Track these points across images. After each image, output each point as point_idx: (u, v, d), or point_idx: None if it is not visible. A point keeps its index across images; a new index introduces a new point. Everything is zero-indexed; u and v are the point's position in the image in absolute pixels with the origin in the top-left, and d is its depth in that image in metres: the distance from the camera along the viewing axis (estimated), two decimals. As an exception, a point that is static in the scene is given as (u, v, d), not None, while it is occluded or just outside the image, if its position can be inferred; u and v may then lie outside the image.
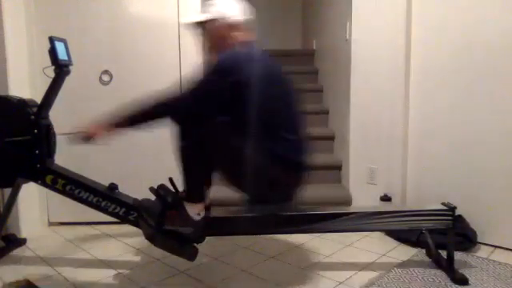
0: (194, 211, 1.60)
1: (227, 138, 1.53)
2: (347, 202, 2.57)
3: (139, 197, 1.82)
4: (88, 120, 1.71)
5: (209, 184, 1.70)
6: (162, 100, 1.56)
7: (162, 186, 1.70)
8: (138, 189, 1.87)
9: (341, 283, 1.69)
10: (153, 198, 1.69)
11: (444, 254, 1.77)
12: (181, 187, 1.66)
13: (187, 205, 1.61)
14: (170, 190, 1.67)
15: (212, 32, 1.68)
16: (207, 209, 1.68)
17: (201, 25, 1.70)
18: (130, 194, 1.85)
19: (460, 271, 1.70)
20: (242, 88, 1.51)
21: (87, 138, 1.63)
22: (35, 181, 1.81)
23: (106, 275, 1.79)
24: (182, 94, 1.58)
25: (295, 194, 1.72)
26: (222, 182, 1.69)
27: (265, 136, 1.55)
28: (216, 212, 1.72)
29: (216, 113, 1.54)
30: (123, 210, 1.78)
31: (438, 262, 1.82)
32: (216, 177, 1.68)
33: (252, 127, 1.55)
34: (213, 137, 1.52)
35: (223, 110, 1.54)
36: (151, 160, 2.50)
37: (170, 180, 1.68)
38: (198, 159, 1.57)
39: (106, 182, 1.85)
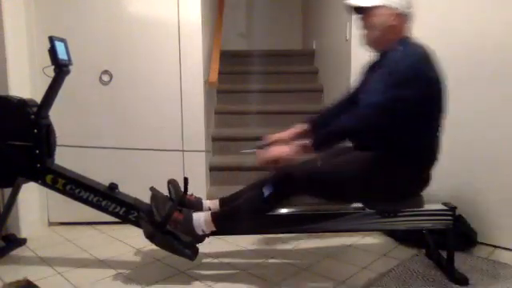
0: (205, 228, 1.61)
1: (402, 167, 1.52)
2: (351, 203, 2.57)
3: (139, 197, 1.83)
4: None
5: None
6: (358, 117, 1.46)
7: (173, 181, 1.70)
8: (137, 189, 1.87)
9: (341, 283, 1.69)
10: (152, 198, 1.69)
11: (444, 254, 1.77)
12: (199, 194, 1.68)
13: (206, 219, 1.60)
14: (179, 189, 1.67)
15: (376, 20, 1.53)
16: (185, 183, 1.68)
17: (364, 11, 1.56)
18: (130, 194, 1.86)
19: (460, 271, 1.70)
20: (431, 89, 1.47)
21: (272, 164, 1.49)
22: (35, 181, 1.81)
23: (105, 275, 1.79)
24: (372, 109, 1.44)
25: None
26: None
27: (435, 137, 1.56)
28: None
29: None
30: (123, 209, 1.78)
31: (438, 262, 1.82)
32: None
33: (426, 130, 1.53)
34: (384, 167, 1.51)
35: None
36: (151, 160, 2.49)
37: (185, 180, 1.67)
38: (262, 212, 1.59)
39: (106, 182, 1.85)
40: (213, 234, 1.66)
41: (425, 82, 1.45)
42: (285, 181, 1.55)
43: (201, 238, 1.67)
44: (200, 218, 1.61)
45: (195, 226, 1.60)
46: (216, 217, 1.61)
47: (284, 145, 1.54)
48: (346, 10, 1.64)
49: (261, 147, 1.63)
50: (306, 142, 1.47)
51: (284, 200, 1.59)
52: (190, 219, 1.60)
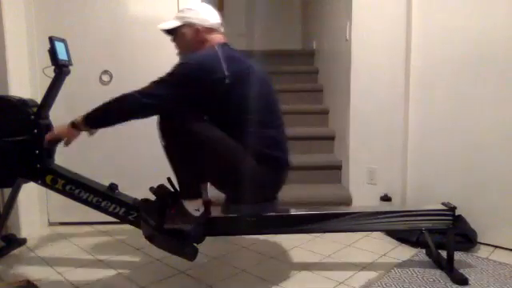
0: (193, 207, 1.60)
1: (201, 136, 1.52)
2: (347, 202, 2.58)
3: (139, 197, 1.82)
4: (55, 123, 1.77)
5: (202, 179, 1.70)
6: (124, 96, 1.60)
7: (161, 186, 1.70)
8: (137, 189, 1.87)
9: (341, 283, 1.69)
10: (153, 197, 1.69)
11: (444, 253, 1.77)
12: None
13: (185, 202, 1.61)
14: (168, 190, 1.67)
15: (183, 37, 1.69)
16: (207, 204, 1.67)
17: (172, 32, 1.73)
18: (130, 194, 1.85)
19: (460, 271, 1.70)
20: (214, 87, 1.52)
21: (53, 143, 1.72)
22: (35, 181, 1.81)
23: (106, 275, 1.79)
24: (142, 92, 1.58)
25: (277, 193, 1.72)
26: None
27: (241, 134, 1.55)
28: (216, 212, 1.72)
29: (189, 111, 1.54)
30: (123, 209, 1.78)
31: (437, 262, 1.82)
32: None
33: (227, 125, 1.55)
34: (186, 134, 1.52)
35: (197, 109, 1.55)
36: (151, 160, 2.49)
37: (169, 180, 1.68)
38: (181, 156, 1.57)
39: (104, 182, 1.85)
40: (213, 234, 1.65)
41: (195, 80, 1.52)
42: (161, 124, 1.59)
43: (201, 221, 1.64)
44: (185, 203, 1.61)
45: (188, 209, 1.60)
46: (182, 193, 1.61)
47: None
48: (165, 34, 1.77)
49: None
50: (77, 118, 1.65)
51: (175, 130, 1.57)
52: (182, 205, 1.60)
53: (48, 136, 1.73)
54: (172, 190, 1.67)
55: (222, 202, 1.72)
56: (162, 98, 1.53)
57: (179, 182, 1.63)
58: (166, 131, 1.57)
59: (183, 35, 1.69)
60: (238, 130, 1.56)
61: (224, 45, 1.66)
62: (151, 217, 1.62)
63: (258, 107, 1.58)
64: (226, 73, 1.51)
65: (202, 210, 1.62)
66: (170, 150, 1.59)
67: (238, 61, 1.61)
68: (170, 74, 1.54)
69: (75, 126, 1.65)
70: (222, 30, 1.74)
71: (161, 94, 1.53)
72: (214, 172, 1.63)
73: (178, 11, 1.75)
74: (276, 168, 1.64)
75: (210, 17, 1.69)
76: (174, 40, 1.75)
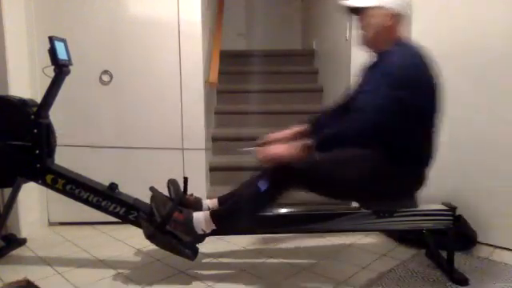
0: (205, 228, 1.60)
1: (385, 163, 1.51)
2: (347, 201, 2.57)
3: (139, 197, 1.83)
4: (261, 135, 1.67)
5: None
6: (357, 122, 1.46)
7: (173, 181, 1.70)
8: (137, 188, 1.87)
9: (341, 283, 1.69)
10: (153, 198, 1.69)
11: (444, 254, 1.77)
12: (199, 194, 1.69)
13: (206, 219, 1.60)
14: (179, 189, 1.67)
15: (372, 20, 1.53)
16: (185, 183, 1.68)
17: (360, 11, 1.57)
18: (130, 194, 1.85)
19: (460, 271, 1.70)
20: (430, 96, 1.49)
21: (269, 161, 1.50)
22: (35, 181, 1.81)
23: (106, 275, 1.79)
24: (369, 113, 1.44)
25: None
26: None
27: (430, 138, 1.55)
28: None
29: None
30: (123, 209, 1.78)
31: (437, 262, 1.82)
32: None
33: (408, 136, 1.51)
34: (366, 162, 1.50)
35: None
36: (151, 159, 2.49)
37: (185, 179, 1.67)
38: (260, 208, 1.58)
39: (106, 182, 1.85)
40: (213, 233, 1.66)
41: (419, 82, 1.46)
42: (282, 174, 1.53)
43: (201, 238, 1.67)
44: (200, 218, 1.61)
45: (195, 225, 1.60)
46: (215, 215, 1.61)
47: (283, 144, 1.53)
48: (342, 11, 1.63)
49: (259, 146, 1.64)
50: (308, 141, 1.46)
51: (281, 193, 1.56)
52: (190, 219, 1.60)
53: (261, 155, 1.51)
54: (182, 189, 1.67)
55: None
56: (389, 109, 1.43)
57: (227, 211, 1.62)
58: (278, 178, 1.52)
59: (373, 18, 1.53)
60: (423, 137, 1.55)
61: (406, 39, 1.57)
62: (159, 212, 1.61)
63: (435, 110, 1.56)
64: (433, 74, 1.49)
65: (207, 232, 1.62)
66: (264, 198, 1.55)
67: (430, 60, 1.53)
68: (390, 84, 1.42)
69: (307, 150, 1.46)
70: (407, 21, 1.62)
71: (393, 110, 1.44)
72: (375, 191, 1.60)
73: None
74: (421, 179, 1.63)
75: (403, 4, 1.56)
76: (359, 20, 1.59)
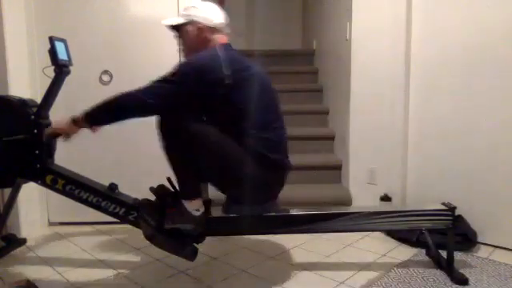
0: (193, 207, 1.60)
1: (201, 136, 1.52)
2: (347, 202, 2.58)
3: (139, 197, 1.82)
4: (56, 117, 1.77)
5: (202, 179, 1.70)
6: (125, 94, 1.60)
7: (161, 186, 1.70)
8: (137, 189, 1.87)
9: (341, 283, 1.69)
10: (153, 198, 1.69)
11: (444, 254, 1.77)
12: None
13: (185, 202, 1.60)
14: (168, 190, 1.67)
15: (186, 35, 1.69)
16: (207, 204, 1.67)
17: (176, 28, 1.72)
18: (130, 194, 1.85)
19: (460, 271, 1.70)
20: (216, 88, 1.52)
21: (55, 135, 1.72)
22: (35, 181, 1.81)
23: (105, 275, 1.79)
24: (144, 90, 1.58)
25: (277, 194, 1.72)
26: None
27: (242, 135, 1.55)
28: (216, 212, 1.72)
29: (190, 111, 1.54)
30: (123, 209, 1.78)
31: (438, 262, 1.82)
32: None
33: (227, 125, 1.55)
34: (186, 134, 1.51)
35: (198, 109, 1.56)
36: (151, 160, 2.49)
37: (168, 180, 1.68)
38: (182, 156, 1.56)
39: (104, 182, 1.85)
40: (212, 234, 1.65)
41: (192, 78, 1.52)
42: (161, 125, 1.58)
43: (201, 221, 1.64)
44: (185, 203, 1.61)
45: (188, 208, 1.60)
46: (182, 194, 1.61)
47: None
48: (168, 29, 1.76)
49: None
50: (77, 115, 1.63)
51: (173, 130, 1.56)
52: (182, 205, 1.60)
53: (47, 130, 1.75)
54: (172, 189, 1.67)
55: (223, 203, 1.72)
56: (164, 97, 1.53)
57: (179, 183, 1.63)
58: (165, 132, 1.57)
59: (187, 33, 1.68)
60: (237, 132, 1.55)
61: (226, 45, 1.66)
62: (151, 217, 1.62)
63: (257, 109, 1.58)
64: (227, 73, 1.51)
65: (202, 210, 1.62)
66: (169, 151, 1.59)
67: (238, 62, 1.61)
68: (172, 74, 1.54)
69: (76, 123, 1.66)
70: (227, 30, 1.74)
71: (163, 93, 1.53)
72: (214, 172, 1.62)
73: (184, 8, 1.74)
74: (275, 170, 1.63)
75: (214, 16, 1.68)
76: (179, 37, 1.75)
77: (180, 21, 1.69)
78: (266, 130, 1.60)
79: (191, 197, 1.61)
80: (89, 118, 1.65)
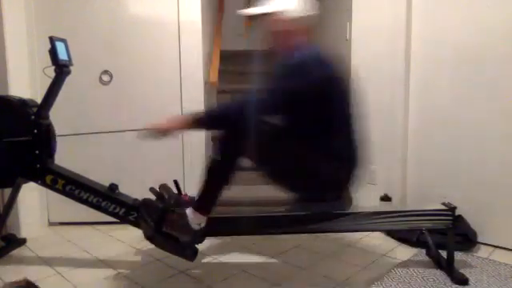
0: (197, 221, 1.59)
1: (289, 140, 1.54)
2: (347, 201, 2.57)
3: (139, 197, 1.82)
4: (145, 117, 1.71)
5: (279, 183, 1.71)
6: (237, 103, 1.55)
7: (164, 187, 1.69)
8: (137, 189, 1.87)
9: (341, 283, 1.69)
10: (153, 198, 1.69)
11: (444, 254, 1.77)
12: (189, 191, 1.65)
13: (192, 212, 1.59)
14: (172, 192, 1.67)
15: (271, 25, 1.61)
16: (207, 221, 1.67)
17: (263, 17, 1.63)
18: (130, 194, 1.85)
19: (460, 271, 1.70)
20: (319, 88, 1.50)
21: (161, 133, 1.59)
22: (35, 181, 1.81)
23: (105, 275, 1.79)
24: (262, 96, 1.51)
25: (347, 191, 1.73)
26: (268, 181, 1.70)
27: (326, 136, 1.56)
28: (216, 212, 1.72)
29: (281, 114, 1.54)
30: (123, 210, 1.78)
31: (438, 262, 1.82)
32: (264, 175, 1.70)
33: (315, 127, 1.55)
34: (273, 138, 1.53)
35: (286, 110, 1.54)
36: (151, 160, 2.49)
37: (175, 182, 1.67)
38: (225, 175, 1.58)
39: (105, 182, 1.85)
40: (212, 234, 1.65)
41: (313, 79, 1.49)
42: (230, 144, 1.57)
43: (200, 237, 1.66)
44: (190, 213, 1.61)
45: (190, 221, 1.59)
46: (196, 204, 1.61)
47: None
48: (245, 18, 1.69)
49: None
50: (189, 115, 1.58)
51: (234, 161, 1.57)
52: (185, 216, 1.59)
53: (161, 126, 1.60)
54: (176, 192, 1.67)
55: (289, 202, 1.72)
56: (279, 98, 1.50)
57: (203, 195, 1.61)
58: (225, 144, 1.56)
59: (274, 23, 1.60)
60: (322, 130, 1.56)
61: (310, 42, 1.62)
62: (151, 217, 1.62)
63: (345, 108, 1.60)
64: (331, 73, 1.52)
65: (203, 225, 1.61)
66: (218, 165, 1.59)
67: (330, 59, 1.58)
68: (290, 72, 1.49)
69: (185, 123, 1.58)
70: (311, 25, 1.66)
71: (277, 95, 1.51)
72: (288, 175, 1.62)
73: None
74: (347, 168, 1.64)
75: (307, 8, 1.61)
76: (262, 26, 1.67)
77: (270, 9, 1.60)
78: (348, 129, 1.62)
79: (203, 212, 1.60)
80: (202, 120, 1.60)
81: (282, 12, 1.58)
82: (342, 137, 1.60)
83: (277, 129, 1.60)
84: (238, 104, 1.56)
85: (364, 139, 1.69)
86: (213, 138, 3.04)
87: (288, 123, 1.60)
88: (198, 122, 1.61)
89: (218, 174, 1.59)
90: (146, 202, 1.69)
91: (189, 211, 1.60)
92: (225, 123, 1.55)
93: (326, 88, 1.53)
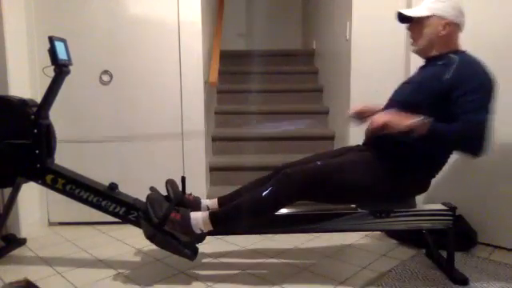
0: (199, 225, 1.60)
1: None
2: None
3: (139, 197, 1.83)
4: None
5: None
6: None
7: (171, 182, 1.69)
8: (137, 189, 1.87)
9: (341, 283, 1.69)
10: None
11: (444, 254, 1.77)
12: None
13: (203, 218, 1.60)
14: (177, 189, 1.67)
15: (427, 29, 1.59)
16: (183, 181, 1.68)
17: (415, 20, 1.62)
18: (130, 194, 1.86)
19: (460, 271, 1.70)
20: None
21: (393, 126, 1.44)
22: (35, 181, 1.81)
23: (106, 275, 1.79)
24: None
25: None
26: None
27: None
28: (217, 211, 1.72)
29: None
30: (123, 209, 1.78)
31: (438, 262, 1.82)
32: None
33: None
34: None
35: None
36: (151, 160, 2.50)
37: (183, 179, 1.67)
38: (260, 216, 1.60)
39: (105, 182, 1.85)
40: (212, 233, 1.66)
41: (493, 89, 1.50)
42: (284, 181, 1.56)
43: (200, 238, 1.67)
44: (198, 218, 1.61)
45: (193, 225, 1.59)
46: (214, 217, 1.61)
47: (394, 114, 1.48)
48: (396, 18, 1.67)
49: (355, 118, 1.75)
50: (425, 119, 1.41)
51: (284, 202, 1.59)
52: (188, 218, 1.59)
53: (386, 121, 1.45)
54: (181, 189, 1.67)
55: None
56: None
57: (224, 214, 1.62)
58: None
59: (428, 27, 1.58)
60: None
61: (460, 46, 1.61)
62: (155, 212, 1.61)
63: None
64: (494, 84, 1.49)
65: (205, 232, 1.62)
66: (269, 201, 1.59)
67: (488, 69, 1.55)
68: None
69: (423, 126, 1.42)
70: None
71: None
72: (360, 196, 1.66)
73: (428, 1, 1.61)
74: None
75: (462, 13, 1.59)
76: (411, 29, 1.66)
77: (424, 13, 1.58)
78: None
79: (215, 224, 1.60)
80: (431, 129, 1.43)
81: (436, 16, 1.57)
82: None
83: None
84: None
85: None
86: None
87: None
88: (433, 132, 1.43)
89: (255, 209, 1.59)
90: (153, 196, 1.68)
91: (199, 215, 1.61)
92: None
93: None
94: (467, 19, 1.62)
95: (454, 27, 1.58)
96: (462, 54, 1.57)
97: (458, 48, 1.61)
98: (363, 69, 2.47)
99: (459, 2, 1.61)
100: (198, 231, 1.61)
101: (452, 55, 1.56)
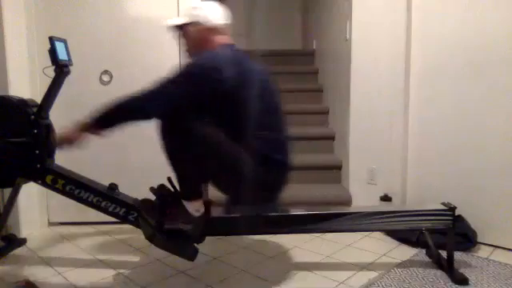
0: (193, 208, 1.61)
1: (202, 137, 1.51)
2: (347, 202, 2.58)
3: (139, 197, 1.82)
4: (62, 126, 1.71)
5: (204, 180, 1.70)
6: (133, 96, 1.56)
7: (161, 186, 1.70)
8: (137, 189, 1.87)
9: (341, 283, 1.69)
10: (153, 197, 1.69)
11: (444, 253, 1.77)
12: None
13: (185, 203, 1.61)
14: (169, 190, 1.67)
15: (190, 35, 1.69)
16: (207, 205, 1.67)
17: (180, 28, 1.72)
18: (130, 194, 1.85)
19: (460, 271, 1.70)
20: (220, 88, 1.51)
21: (67, 143, 1.65)
22: (35, 181, 1.81)
23: (106, 275, 1.79)
24: (152, 91, 1.54)
25: (279, 194, 1.72)
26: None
27: (243, 135, 1.55)
28: (216, 212, 1.72)
29: (191, 111, 1.53)
30: (123, 210, 1.78)
31: (438, 262, 1.82)
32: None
33: (228, 126, 1.54)
34: (187, 135, 1.51)
35: (200, 110, 1.55)
36: (151, 160, 2.49)
37: (169, 179, 1.68)
38: (182, 157, 1.56)
39: (105, 182, 1.85)
40: (212, 234, 1.66)
41: (202, 79, 1.51)
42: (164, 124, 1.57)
43: (200, 222, 1.64)
44: (186, 204, 1.61)
45: (188, 209, 1.60)
46: (182, 194, 1.61)
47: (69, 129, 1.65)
48: (169, 31, 1.78)
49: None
50: (86, 120, 1.58)
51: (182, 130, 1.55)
52: (182, 206, 1.61)
53: (58, 142, 1.69)
54: (172, 189, 1.67)
55: (224, 203, 1.72)
56: (170, 98, 1.52)
57: (180, 183, 1.63)
58: (167, 133, 1.56)
59: (189, 33, 1.69)
60: (238, 132, 1.55)
61: (227, 46, 1.66)
62: (151, 216, 1.62)
63: (259, 109, 1.58)
64: (227, 75, 1.51)
65: (202, 210, 1.62)
66: (171, 152, 1.58)
67: (239, 63, 1.60)
68: (177, 75, 1.53)
69: (85, 129, 1.61)
70: (229, 30, 1.74)
71: (172, 93, 1.52)
72: (215, 173, 1.62)
73: (187, 8, 1.74)
74: (277, 170, 1.64)
75: (215, 17, 1.69)
76: (182, 36, 1.75)
77: (182, 21, 1.69)
78: (268, 131, 1.60)
79: (192, 198, 1.61)
80: (99, 122, 1.60)
81: (195, 22, 1.66)
82: (263, 138, 1.58)
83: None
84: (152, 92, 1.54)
85: (286, 141, 1.69)
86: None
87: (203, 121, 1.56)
88: (105, 120, 1.59)
89: (176, 157, 1.58)
90: (145, 202, 1.71)
91: (184, 202, 1.61)
92: (148, 109, 1.55)
93: (225, 88, 1.51)
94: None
95: (209, 30, 1.67)
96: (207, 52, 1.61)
97: (215, 47, 1.64)
98: (363, 69, 2.47)
99: (212, 5, 1.70)
100: (197, 213, 1.61)
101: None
